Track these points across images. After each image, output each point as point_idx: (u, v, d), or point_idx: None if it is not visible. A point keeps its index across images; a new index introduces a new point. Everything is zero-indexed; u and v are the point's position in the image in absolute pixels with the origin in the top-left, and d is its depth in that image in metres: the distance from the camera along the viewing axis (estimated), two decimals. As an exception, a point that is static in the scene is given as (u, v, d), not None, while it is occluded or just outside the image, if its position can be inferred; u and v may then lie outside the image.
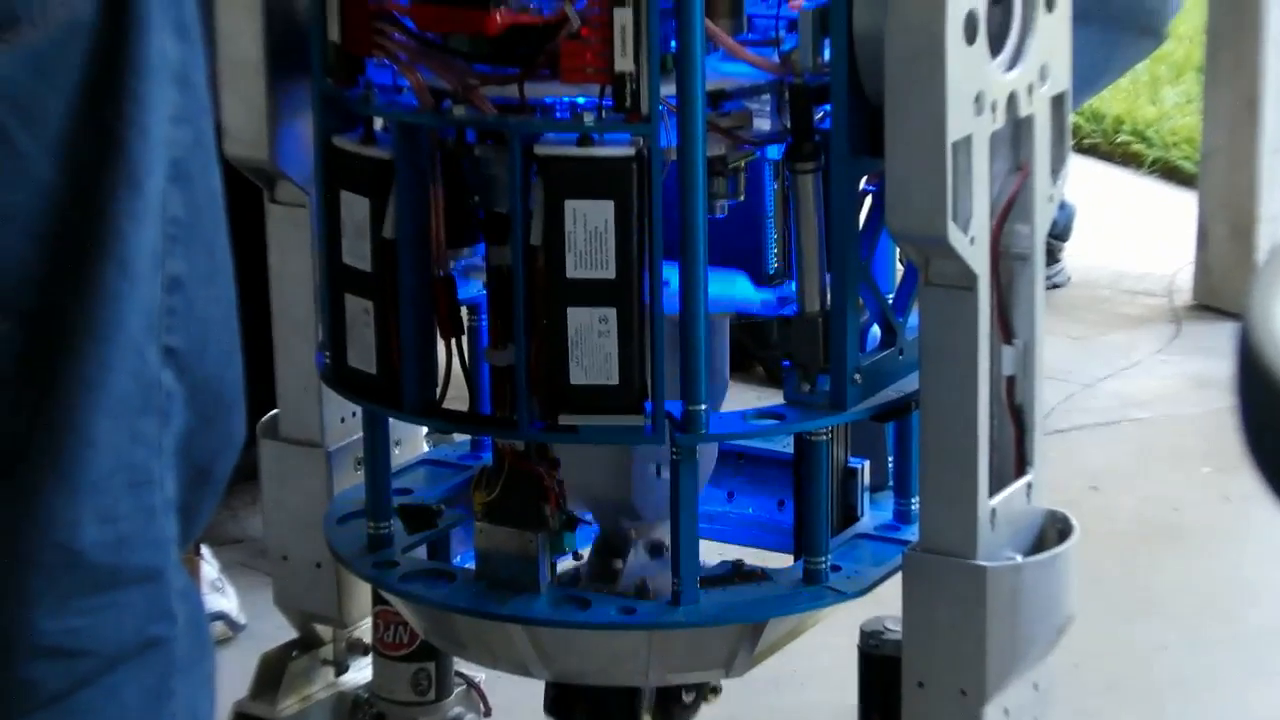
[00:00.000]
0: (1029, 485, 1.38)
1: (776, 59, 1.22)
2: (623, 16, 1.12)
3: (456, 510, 1.39)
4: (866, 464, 1.34)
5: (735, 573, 1.28)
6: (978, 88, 1.17)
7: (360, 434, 1.46)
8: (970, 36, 1.15)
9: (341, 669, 1.77)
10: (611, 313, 1.14)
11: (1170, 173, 3.42)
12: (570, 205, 1.15)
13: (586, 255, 1.15)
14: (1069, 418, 2.43)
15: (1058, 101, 1.24)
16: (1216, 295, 2.86)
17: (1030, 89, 1.23)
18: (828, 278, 1.23)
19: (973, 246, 1.20)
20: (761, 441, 1.38)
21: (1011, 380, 1.34)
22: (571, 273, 1.15)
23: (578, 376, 1.15)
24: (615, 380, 1.16)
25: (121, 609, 1.17)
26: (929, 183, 1.17)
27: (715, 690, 1.50)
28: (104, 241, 1.12)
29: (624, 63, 1.13)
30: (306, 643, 1.74)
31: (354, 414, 1.53)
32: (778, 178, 1.29)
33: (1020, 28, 1.23)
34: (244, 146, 1.44)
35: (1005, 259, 1.26)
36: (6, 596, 1.16)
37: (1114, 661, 1.91)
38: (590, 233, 1.14)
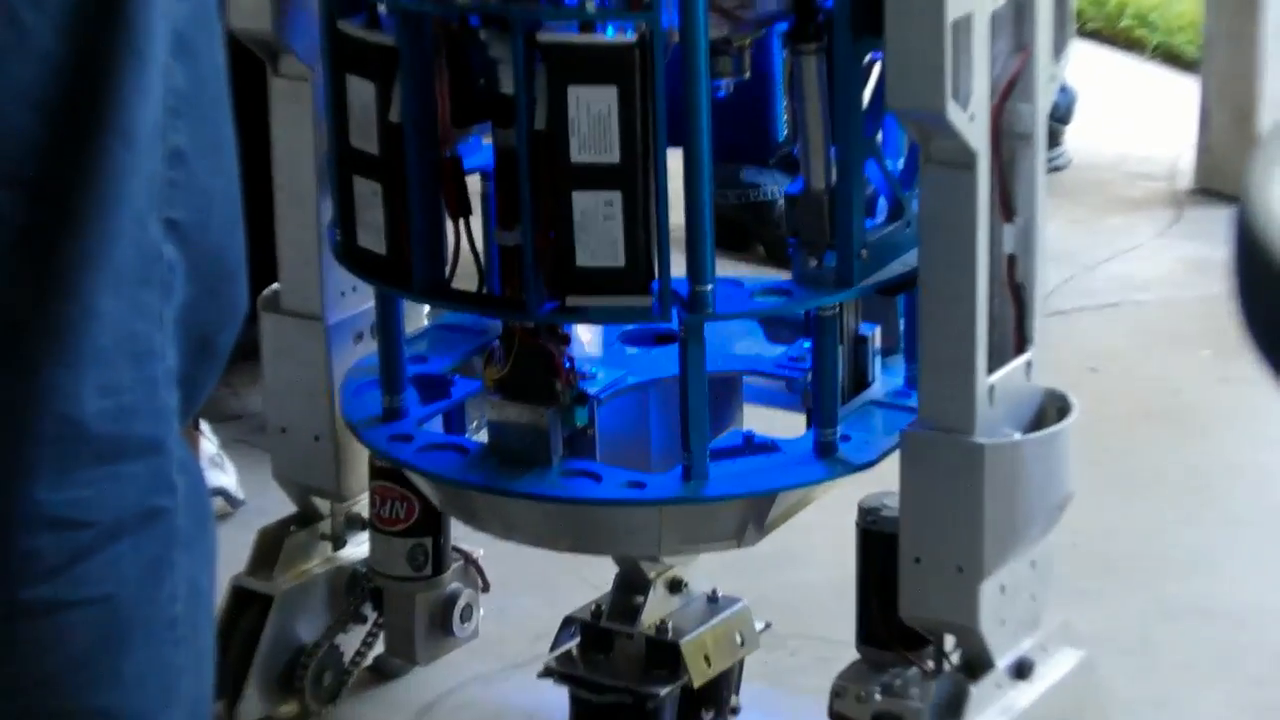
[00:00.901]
0: (1028, 364, 1.42)
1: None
2: None
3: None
4: (878, 329, 1.39)
5: (746, 445, 1.34)
6: None
7: (360, 309, 1.55)
8: None
9: (339, 544, 1.83)
10: (617, 196, 1.19)
11: (1172, 57, 3.47)
12: (574, 92, 1.19)
13: (590, 140, 1.20)
14: (1069, 300, 2.48)
15: None
16: (1217, 179, 2.91)
17: None
18: (833, 155, 1.27)
19: (972, 124, 1.24)
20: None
21: (1012, 259, 1.38)
22: (576, 157, 1.20)
23: (584, 259, 1.21)
24: (621, 262, 1.21)
25: (123, 480, 1.21)
26: (928, 60, 1.20)
27: (735, 710, 1.60)
28: (107, 114, 1.16)
29: None
30: (304, 518, 1.80)
31: (354, 289, 1.60)
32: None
33: None
34: (249, 19, 1.48)
35: (1007, 138, 1.30)
36: (8, 469, 1.20)
37: (1111, 541, 1.98)
38: (594, 118, 1.19)
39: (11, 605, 1.25)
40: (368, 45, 1.29)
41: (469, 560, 1.84)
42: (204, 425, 2.10)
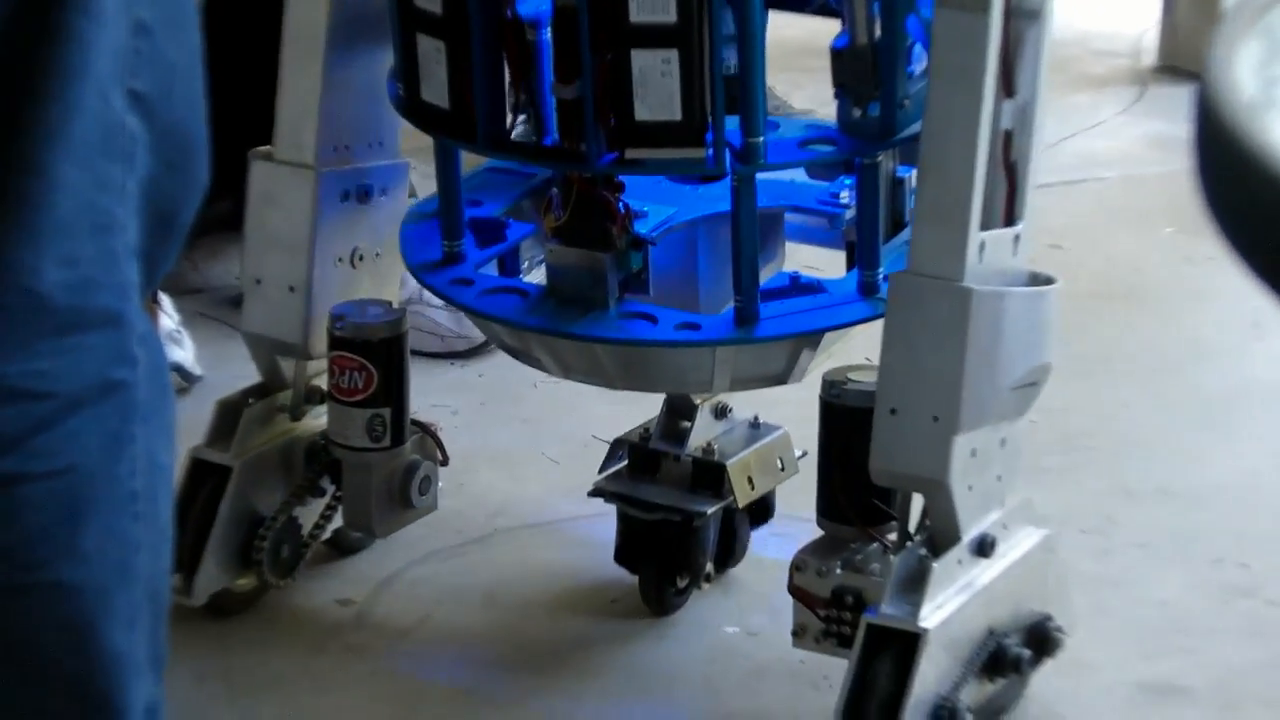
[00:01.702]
0: (1016, 237, 1.96)
1: None
2: None
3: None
4: (914, 172, 1.91)
5: (793, 286, 1.89)
6: None
7: (350, 168, 2.11)
8: None
9: (297, 415, 2.35)
10: (674, 54, 1.71)
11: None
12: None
13: (648, 2, 1.72)
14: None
15: None
16: (1181, 56, 3.58)
17: None
18: (876, 9, 1.80)
19: None
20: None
21: (1009, 135, 1.91)
22: (634, 17, 1.72)
23: (642, 114, 1.73)
24: (678, 116, 1.74)
25: (83, 352, 1.52)
26: None
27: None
28: None
29: None
30: (263, 389, 2.32)
31: (347, 147, 2.16)
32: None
33: None
34: None
35: (1016, 14, 1.82)
36: None
37: (1073, 419, 2.57)
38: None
39: None
40: None
41: (428, 432, 2.40)
42: (163, 299, 2.63)
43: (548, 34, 1.85)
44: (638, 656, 2.37)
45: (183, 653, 2.09)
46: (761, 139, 1.80)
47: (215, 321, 3.02)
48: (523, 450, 2.64)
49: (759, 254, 1.89)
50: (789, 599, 2.18)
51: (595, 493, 2.30)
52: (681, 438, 2.19)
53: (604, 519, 2.43)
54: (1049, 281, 2.01)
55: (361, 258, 2.37)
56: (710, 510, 2.23)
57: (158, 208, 1.63)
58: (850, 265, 2.03)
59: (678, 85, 1.76)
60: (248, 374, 2.49)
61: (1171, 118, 2.99)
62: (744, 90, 1.78)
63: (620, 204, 1.90)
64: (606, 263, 1.92)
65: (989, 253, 1.93)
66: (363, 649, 2.46)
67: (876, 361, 2.07)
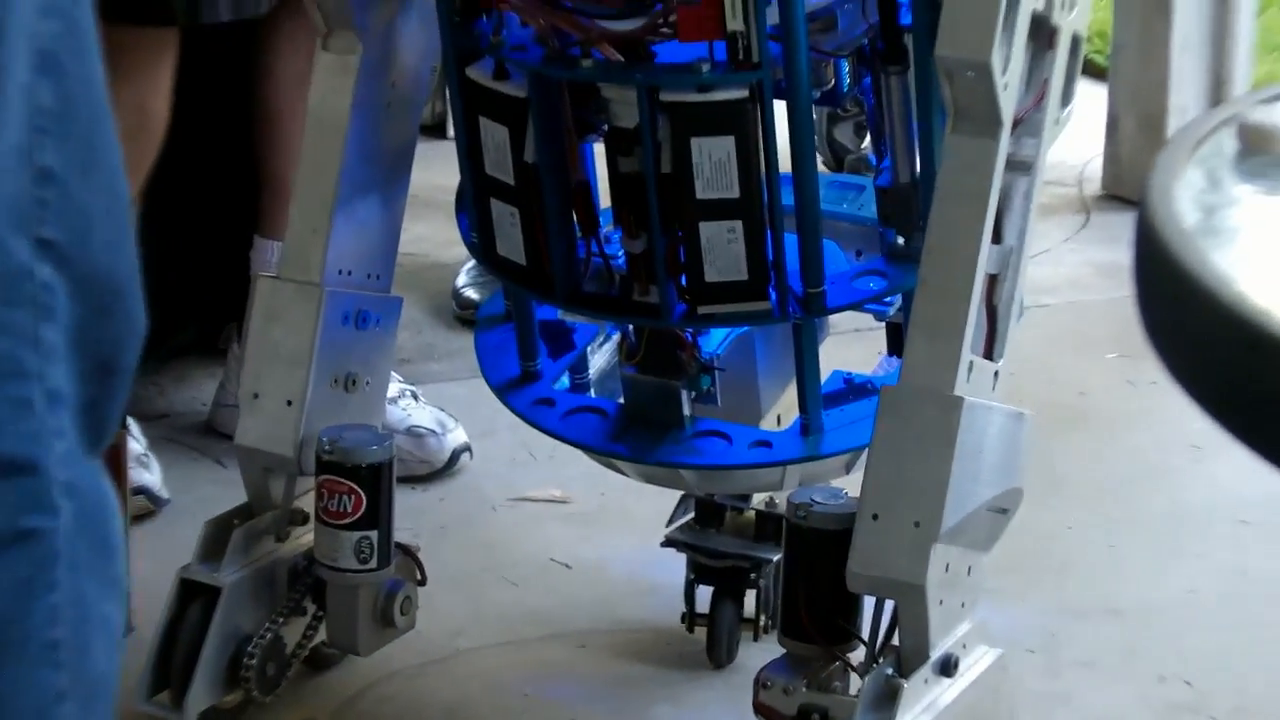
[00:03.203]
0: (996, 373, 3.13)
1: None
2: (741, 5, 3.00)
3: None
4: None
5: (848, 389, 3.34)
6: None
7: (352, 292, 3.53)
8: None
9: (282, 536, 3.64)
10: (739, 224, 3.14)
11: (1083, 66, 5.80)
12: (696, 142, 3.15)
13: (713, 180, 3.15)
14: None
15: (1075, 43, 3.08)
16: (1124, 185, 5.25)
17: (1064, 3, 3.01)
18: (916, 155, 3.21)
19: (1005, 92, 2.90)
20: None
21: (993, 280, 3.12)
22: (701, 194, 3.15)
23: (712, 275, 3.19)
24: (745, 277, 3.17)
25: None
26: (982, 12, 2.81)
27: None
28: None
29: (735, 24, 3.01)
30: (248, 510, 3.60)
31: (349, 272, 3.53)
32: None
33: None
34: None
35: (1009, 167, 3.13)
36: None
37: (1017, 540, 3.63)
38: (715, 163, 3.16)
39: None
40: (500, 96, 3.24)
41: (408, 554, 3.75)
42: (131, 424, 4.04)
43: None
44: None
45: None
46: (822, 289, 3.24)
47: (182, 446, 4.46)
48: (483, 573, 4.03)
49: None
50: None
51: (667, 543, 3.84)
52: (747, 494, 3.72)
53: (561, 640, 3.84)
54: (1021, 417, 3.27)
55: (354, 382, 3.72)
56: (775, 557, 3.71)
57: (93, 353, 2.32)
58: (890, 349, 3.56)
59: (743, 250, 3.22)
60: (214, 496, 3.92)
61: (1115, 245, 4.09)
62: (804, 249, 3.21)
63: (689, 334, 3.39)
64: (680, 388, 3.46)
65: (975, 376, 3.15)
66: None
67: (842, 479, 3.43)
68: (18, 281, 2.17)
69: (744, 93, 3.23)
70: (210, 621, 3.67)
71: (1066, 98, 3.40)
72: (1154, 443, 4.07)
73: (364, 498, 3.66)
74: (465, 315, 5.40)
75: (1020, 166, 3.29)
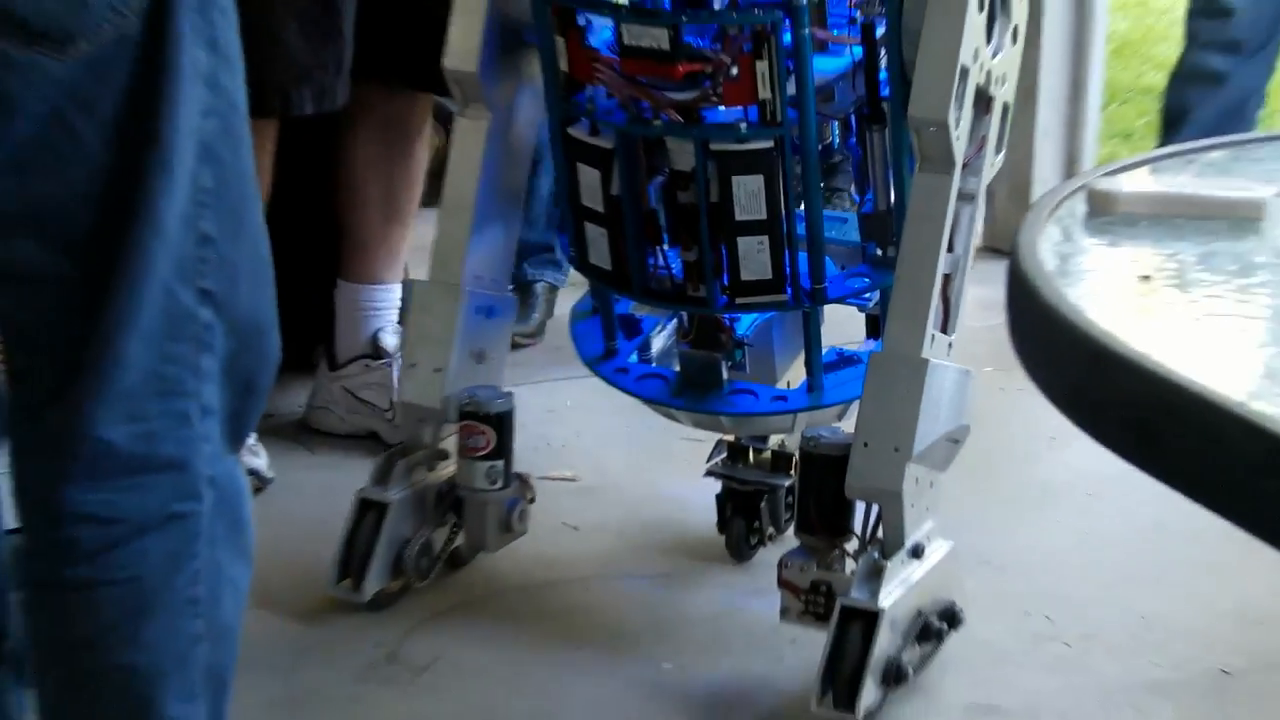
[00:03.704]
0: (949, 344, 3.82)
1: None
2: (762, 66, 3.67)
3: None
4: None
5: (839, 360, 4.06)
6: (975, 44, 3.61)
7: (483, 291, 4.20)
8: (982, 5, 3.61)
9: (430, 468, 4.24)
10: (766, 239, 3.82)
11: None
12: (736, 179, 3.80)
13: (747, 206, 3.82)
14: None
15: (1005, 109, 3.84)
16: (999, 240, 5.75)
17: (998, 80, 3.75)
18: (893, 187, 3.85)
19: (957, 141, 3.62)
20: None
21: (947, 278, 3.78)
22: (738, 217, 3.81)
23: (746, 276, 3.88)
24: (770, 276, 3.86)
25: (148, 489, 2.49)
26: (942, 86, 3.57)
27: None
28: (140, 207, 2.37)
29: (764, 94, 3.70)
30: (405, 449, 4.23)
31: (480, 277, 4.17)
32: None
33: (998, 42, 3.73)
34: (459, 62, 3.97)
35: (959, 198, 3.77)
36: (55, 475, 2.46)
37: None
38: (749, 194, 3.81)
39: (58, 580, 2.51)
40: (593, 148, 3.88)
41: (522, 479, 4.28)
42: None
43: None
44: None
45: (257, 681, 3.46)
46: (825, 285, 3.86)
47: (282, 438, 4.95)
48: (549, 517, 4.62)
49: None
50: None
51: (709, 474, 4.38)
52: (765, 438, 4.36)
53: (569, 584, 4.41)
54: (968, 374, 3.82)
55: (483, 356, 4.24)
56: (787, 483, 4.35)
57: (239, 376, 2.55)
58: (868, 333, 4.21)
59: (769, 258, 3.83)
60: (306, 476, 4.66)
61: (992, 285, 3.52)
62: (811, 256, 3.80)
63: (728, 320, 4.05)
64: (720, 359, 4.08)
65: (935, 345, 3.72)
66: (391, 680, 3.98)
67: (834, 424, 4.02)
68: (183, 322, 2.45)
69: (770, 144, 3.84)
70: (381, 528, 4.22)
71: (999, 148, 4.00)
72: (1020, 434, 4.48)
73: (493, 437, 4.24)
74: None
75: (967, 197, 3.90)
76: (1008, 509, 4.50)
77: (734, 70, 3.81)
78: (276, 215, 3.79)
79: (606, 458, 4.85)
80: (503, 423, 4.27)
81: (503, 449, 4.28)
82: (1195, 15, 6.51)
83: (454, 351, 4.25)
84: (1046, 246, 1.95)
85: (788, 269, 3.98)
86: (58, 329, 2.41)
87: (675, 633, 4.30)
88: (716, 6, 3.85)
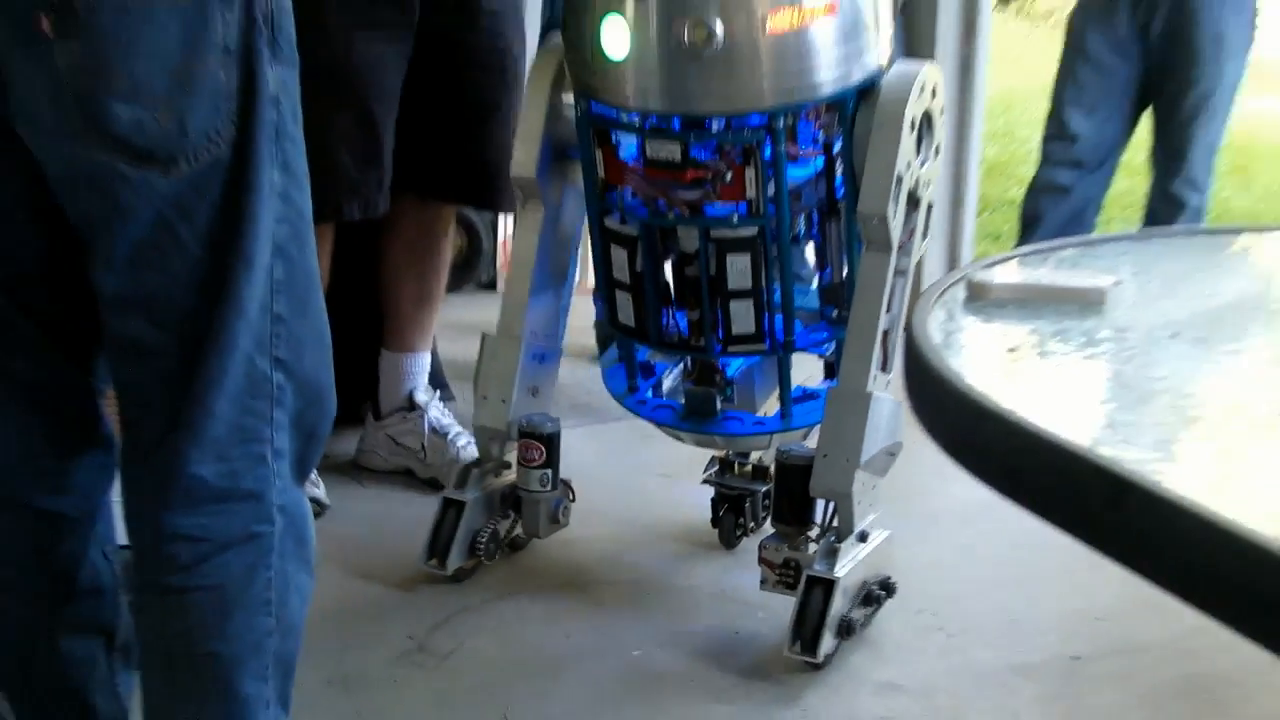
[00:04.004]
0: (888, 382, 3.85)
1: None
2: (750, 173, 3.80)
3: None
4: None
5: (803, 395, 4.16)
6: (908, 158, 3.76)
7: (536, 344, 4.31)
8: (913, 127, 3.77)
9: (497, 475, 4.37)
10: (751, 303, 3.94)
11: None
12: (729, 257, 3.94)
13: (737, 278, 3.93)
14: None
15: (929, 207, 3.96)
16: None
17: (924, 184, 3.86)
18: (846, 263, 3.98)
19: (894, 231, 3.76)
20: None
21: (886, 333, 3.80)
22: (730, 286, 3.94)
23: (736, 331, 3.99)
24: (753, 331, 3.98)
25: (232, 514, 2.45)
26: (884, 190, 3.71)
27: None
28: (228, 294, 2.36)
29: (751, 194, 3.87)
30: (479, 462, 4.35)
31: (535, 333, 4.28)
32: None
33: (924, 157, 3.89)
34: (522, 170, 4.13)
35: (896, 272, 3.88)
36: (158, 503, 2.41)
37: None
38: (739, 269, 3.94)
39: (159, 586, 2.46)
40: (624, 235, 4.01)
41: (566, 484, 4.39)
42: None
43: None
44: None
45: (314, 664, 3.31)
46: (794, 336, 3.90)
47: (338, 474, 4.86)
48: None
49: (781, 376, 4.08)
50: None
51: (705, 481, 4.49)
52: (747, 454, 4.46)
53: (574, 584, 4.32)
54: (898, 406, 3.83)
55: (537, 392, 4.34)
56: (765, 488, 4.42)
57: (304, 427, 2.51)
58: (826, 375, 4.23)
59: (753, 318, 3.89)
60: (357, 505, 4.62)
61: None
62: (785, 315, 3.91)
63: (721, 364, 4.15)
64: (715, 394, 4.18)
65: (877, 382, 3.79)
66: (420, 664, 3.89)
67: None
68: (261, 384, 2.43)
69: (755, 231, 3.90)
70: (460, 520, 4.33)
71: (924, 235, 4.05)
72: (915, 470, 4.09)
73: (544, 451, 4.34)
74: None
75: (901, 271, 3.96)
76: (905, 528, 4.34)
77: (728, 176, 3.88)
78: (333, 299, 3.77)
79: (589, 483, 4.75)
80: (552, 441, 4.34)
81: (551, 460, 4.35)
82: (1048, 139, 6.60)
83: (515, 387, 4.30)
84: (934, 325, 1.93)
85: (767, 326, 4.04)
86: (162, 389, 2.40)
87: (678, 599, 4.33)
88: (715, 129, 3.85)
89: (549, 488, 4.38)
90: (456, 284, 5.77)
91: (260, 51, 2.29)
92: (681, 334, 4.11)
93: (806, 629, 3.82)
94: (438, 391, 5.01)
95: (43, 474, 2.60)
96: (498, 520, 4.43)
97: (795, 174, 3.96)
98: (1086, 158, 6.55)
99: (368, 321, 4.84)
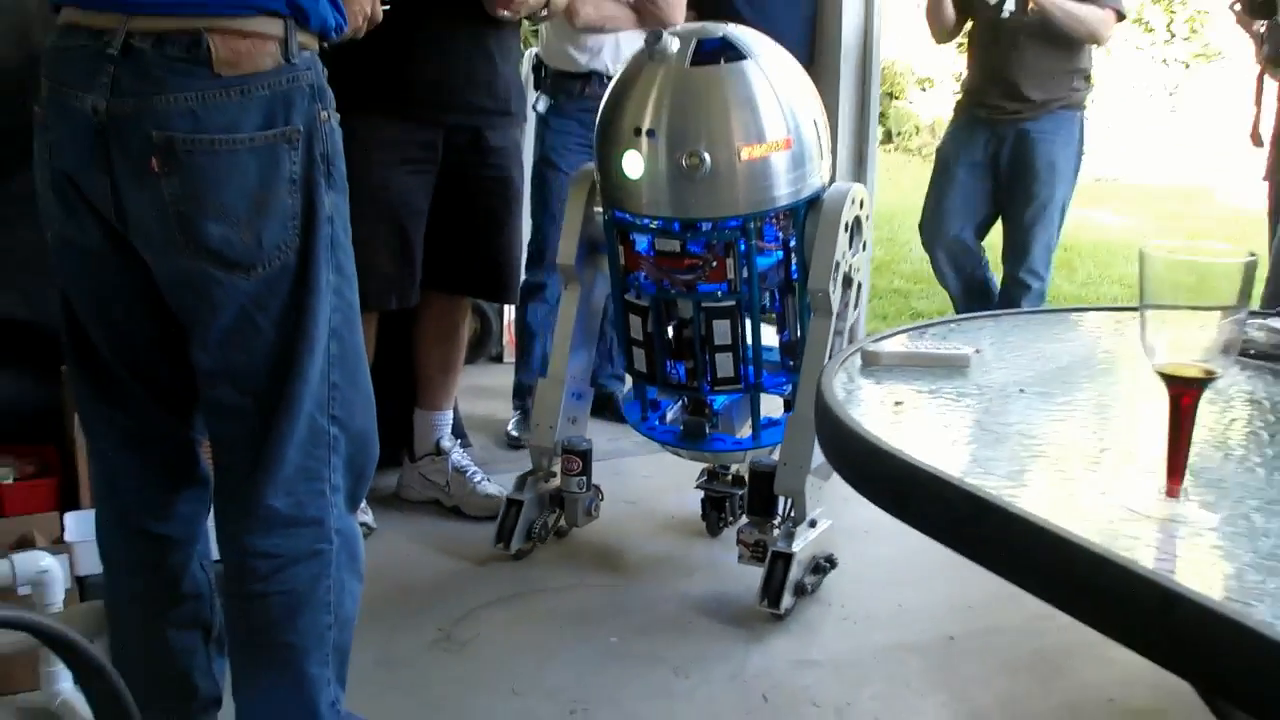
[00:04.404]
0: None
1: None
2: (730, 261, 3.82)
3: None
4: None
5: (768, 423, 4.08)
6: (843, 249, 3.76)
7: (574, 388, 4.25)
8: (846, 229, 3.75)
9: (546, 481, 4.31)
10: (731, 355, 3.90)
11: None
12: (715, 322, 3.90)
13: (721, 336, 3.89)
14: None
15: (859, 285, 3.89)
16: None
17: (856, 269, 3.83)
18: (799, 326, 3.94)
19: (832, 303, 3.71)
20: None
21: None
22: (715, 343, 3.91)
23: (720, 376, 3.95)
24: (732, 376, 3.94)
25: (299, 536, 2.37)
26: (828, 272, 3.68)
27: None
28: (295, 367, 2.29)
29: (730, 275, 3.84)
30: (533, 472, 4.28)
31: (575, 377, 4.23)
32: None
33: (855, 250, 3.90)
34: (565, 259, 4.10)
35: (835, 333, 3.90)
36: (241, 529, 2.36)
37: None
38: (721, 331, 3.90)
39: (244, 592, 2.38)
40: (638, 305, 3.97)
41: (596, 487, 4.35)
42: None
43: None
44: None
45: (363, 648, 2.91)
46: (761, 381, 3.90)
47: (382, 504, 4.65)
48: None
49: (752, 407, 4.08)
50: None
51: (698, 486, 4.41)
52: (729, 466, 4.39)
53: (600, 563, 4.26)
54: None
55: (575, 420, 4.28)
56: (741, 491, 4.31)
57: (355, 468, 2.43)
58: (785, 409, 4.07)
59: (732, 366, 3.82)
60: (397, 525, 4.37)
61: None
62: (755, 364, 3.89)
63: (711, 399, 4.08)
64: (705, 422, 4.11)
65: None
66: (447, 650, 3.65)
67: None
68: (320, 435, 2.33)
69: (734, 303, 3.85)
70: (520, 514, 4.26)
71: (855, 306, 3.98)
72: (824, 498, 3.99)
73: (580, 463, 4.28)
74: (514, 443, 5.43)
75: (839, 333, 3.88)
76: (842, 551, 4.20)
77: (714, 264, 3.85)
78: (377, 369, 3.59)
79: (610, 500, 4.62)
80: (586, 456, 4.29)
81: (586, 470, 4.29)
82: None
83: (560, 416, 4.25)
84: (838, 385, 1.90)
85: (743, 372, 3.97)
86: (245, 440, 2.34)
87: (675, 572, 4.23)
88: (704, 229, 3.80)
89: (584, 490, 4.31)
90: (472, 357, 5.74)
91: (319, 182, 2.24)
92: (680, 379, 4.05)
93: (772, 589, 3.79)
94: (459, 440, 4.84)
95: (155, 505, 2.54)
96: (547, 514, 4.36)
97: (762, 262, 3.91)
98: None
99: (404, 386, 4.71)
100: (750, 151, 3.68)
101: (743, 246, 3.79)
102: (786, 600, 3.79)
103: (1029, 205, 5.80)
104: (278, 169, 2.19)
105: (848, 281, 3.88)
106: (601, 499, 4.44)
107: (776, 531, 3.92)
